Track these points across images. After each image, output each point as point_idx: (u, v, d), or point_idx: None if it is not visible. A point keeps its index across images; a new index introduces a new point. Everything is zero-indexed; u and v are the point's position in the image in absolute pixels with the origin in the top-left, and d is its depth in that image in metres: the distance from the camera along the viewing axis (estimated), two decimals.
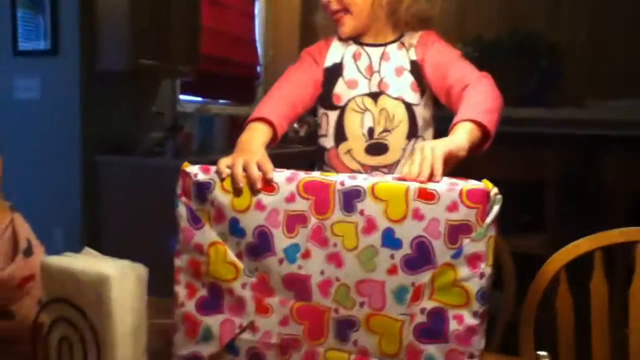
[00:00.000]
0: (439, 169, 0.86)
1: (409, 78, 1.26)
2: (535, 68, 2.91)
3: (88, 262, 0.85)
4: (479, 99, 1.08)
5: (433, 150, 0.88)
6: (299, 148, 4.18)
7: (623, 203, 2.28)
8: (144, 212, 3.17)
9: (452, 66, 1.20)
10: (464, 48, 3.29)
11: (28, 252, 0.95)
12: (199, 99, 4.41)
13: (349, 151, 1.28)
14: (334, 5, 1.26)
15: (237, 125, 3.90)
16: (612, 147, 2.49)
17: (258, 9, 5.18)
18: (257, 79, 5.20)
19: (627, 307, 1.11)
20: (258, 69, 5.20)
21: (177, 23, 3.55)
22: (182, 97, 4.14)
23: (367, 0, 1.26)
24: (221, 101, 4.76)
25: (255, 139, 1.07)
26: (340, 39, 1.33)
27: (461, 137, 0.98)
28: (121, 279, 0.82)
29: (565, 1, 4.66)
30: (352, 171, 1.25)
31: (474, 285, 0.81)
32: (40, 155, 3.32)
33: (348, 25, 1.27)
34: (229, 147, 3.90)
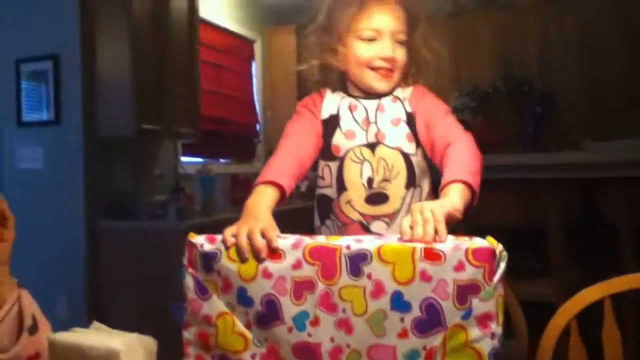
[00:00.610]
0: (442, 230, 0.86)
1: (405, 129, 1.28)
2: (531, 114, 2.96)
3: (96, 338, 0.85)
4: (464, 160, 1.10)
5: (434, 212, 0.89)
6: (300, 204, 4.19)
7: (627, 242, 2.27)
8: (148, 276, 3.15)
9: (438, 122, 1.23)
10: (460, 98, 3.37)
11: (33, 329, 0.94)
12: (200, 159, 4.46)
13: (349, 201, 1.29)
14: (387, 64, 1.27)
15: (238, 184, 3.95)
16: (612, 188, 2.50)
17: (255, 69, 5.30)
18: (256, 137, 5.27)
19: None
20: (257, 127, 5.28)
21: (177, 86, 3.63)
22: (183, 158, 4.18)
23: (404, 62, 1.30)
24: (222, 160, 4.81)
25: (261, 203, 1.06)
26: (333, 92, 1.35)
27: (456, 198, 0.99)
28: (130, 354, 0.81)
29: (556, 47, 4.77)
30: (353, 221, 1.27)
31: (486, 346, 0.80)
32: (44, 224, 3.33)
33: (391, 83, 1.30)
34: (231, 206, 3.93)
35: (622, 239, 2.24)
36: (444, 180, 1.05)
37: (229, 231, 0.92)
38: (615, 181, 2.54)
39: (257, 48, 5.30)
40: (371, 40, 1.27)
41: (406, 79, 1.34)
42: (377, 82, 1.30)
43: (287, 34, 5.18)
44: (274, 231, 0.92)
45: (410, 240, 0.86)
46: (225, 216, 3.50)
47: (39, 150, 3.39)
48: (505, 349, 1.28)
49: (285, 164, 1.18)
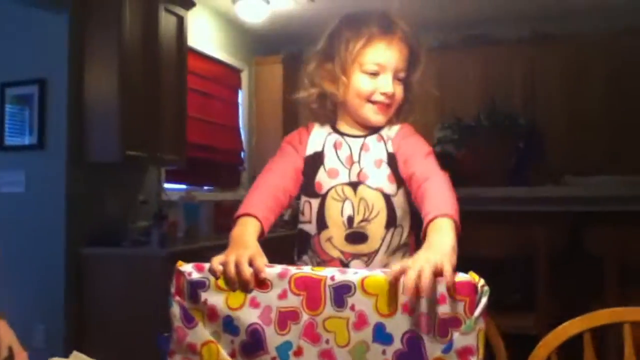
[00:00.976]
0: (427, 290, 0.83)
1: (386, 170, 1.29)
2: (514, 148, 3.01)
3: None
4: (446, 195, 1.10)
5: (429, 274, 0.84)
6: (283, 232, 4.18)
7: (610, 275, 2.29)
8: (130, 303, 3.11)
9: (419, 160, 1.24)
10: (443, 130, 3.41)
11: None
12: (184, 186, 4.44)
13: (329, 239, 1.29)
14: (386, 100, 1.29)
15: (222, 211, 3.94)
16: (594, 222, 2.53)
17: (242, 97, 5.34)
18: (241, 165, 5.28)
19: None
20: (242, 154, 5.29)
21: (164, 113, 3.64)
22: (167, 185, 4.16)
23: (401, 99, 1.33)
24: (206, 187, 4.79)
25: (247, 233, 1.07)
26: (321, 127, 1.37)
27: (451, 238, 0.97)
28: None
29: (540, 83, 4.88)
30: (333, 258, 1.28)
31: None
32: (25, 249, 3.29)
33: (384, 118, 1.32)
34: (215, 233, 3.90)
35: (606, 272, 2.27)
36: (430, 214, 1.05)
37: (217, 260, 0.93)
38: (599, 215, 2.58)
39: (244, 77, 5.35)
40: (374, 74, 1.29)
41: (397, 115, 1.35)
42: (375, 116, 1.31)
43: (274, 64, 5.25)
44: (261, 260, 0.93)
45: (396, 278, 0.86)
46: (209, 243, 3.48)
47: (21, 175, 3.36)
48: None
49: (263, 200, 1.19)
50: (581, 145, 4.72)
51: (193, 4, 3.97)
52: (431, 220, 1.03)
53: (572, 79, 4.80)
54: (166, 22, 3.68)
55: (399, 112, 1.35)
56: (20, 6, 3.31)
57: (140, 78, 3.42)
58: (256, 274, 0.90)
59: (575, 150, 4.71)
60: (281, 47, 5.43)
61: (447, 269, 0.84)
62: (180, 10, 3.83)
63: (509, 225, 2.42)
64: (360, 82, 1.30)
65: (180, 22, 3.84)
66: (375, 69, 1.29)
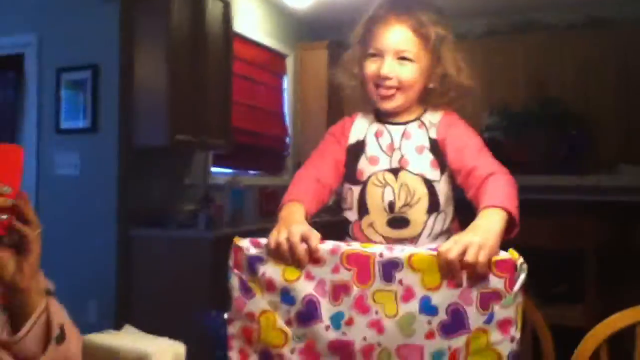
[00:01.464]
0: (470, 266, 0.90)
1: (429, 156, 1.31)
2: (564, 136, 2.92)
3: (128, 340, 0.87)
4: (510, 192, 1.11)
5: (479, 254, 0.90)
6: (327, 217, 4.19)
7: None
8: (177, 284, 3.20)
9: (474, 153, 1.25)
10: (491, 117, 3.35)
11: (60, 338, 0.95)
12: (230, 170, 4.50)
13: (371, 224, 1.32)
14: (392, 82, 1.29)
15: (266, 196, 3.99)
16: None
17: (286, 83, 5.36)
18: (285, 150, 5.31)
19: None
20: (287, 140, 5.32)
21: (211, 98, 3.70)
22: (213, 169, 4.23)
23: (421, 85, 1.32)
24: (251, 172, 4.85)
25: (295, 212, 1.13)
26: (363, 116, 1.39)
27: (497, 225, 1.00)
28: (160, 357, 0.83)
29: (592, 70, 4.71)
30: (375, 243, 1.27)
31: (505, 349, 0.87)
32: (77, 229, 3.41)
33: (395, 102, 1.31)
34: (260, 217, 3.95)
35: None
36: (484, 204, 1.07)
37: (273, 238, 0.99)
38: None
39: (289, 63, 5.36)
40: (375, 57, 1.31)
41: (427, 101, 1.35)
42: (381, 102, 1.32)
43: (319, 50, 5.24)
44: (315, 238, 0.98)
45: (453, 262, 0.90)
46: (254, 227, 3.53)
47: (75, 157, 3.48)
48: None
49: (305, 191, 1.23)
50: (636, 133, 4.54)
51: None
52: (484, 209, 1.05)
53: (625, 65, 4.62)
54: (213, 8, 3.73)
55: (431, 97, 1.34)
56: None
57: (187, 64, 3.49)
58: (311, 252, 0.96)
59: (629, 138, 4.54)
60: (326, 33, 5.40)
61: (485, 252, 0.90)
62: None
63: (559, 216, 2.36)
64: (365, 67, 1.32)
65: (227, 8, 3.88)
66: (375, 53, 1.30)
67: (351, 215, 1.35)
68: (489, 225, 0.99)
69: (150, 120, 3.36)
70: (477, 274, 0.89)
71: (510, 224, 1.04)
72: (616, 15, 4.76)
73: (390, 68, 1.27)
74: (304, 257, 0.96)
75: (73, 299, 1.23)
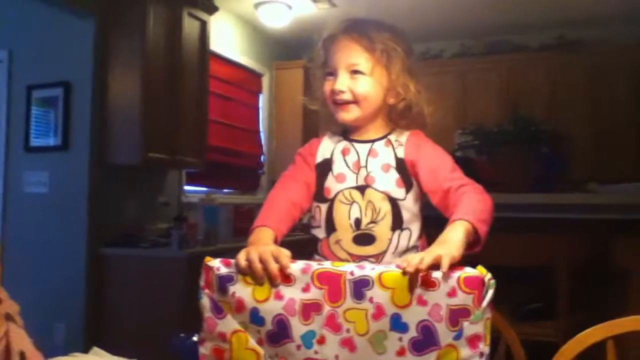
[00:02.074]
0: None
1: (394, 175, 1.32)
2: (537, 155, 2.96)
3: None
4: (479, 207, 1.15)
5: (426, 263, 0.93)
6: (300, 235, 4.18)
7: (636, 287, 2.24)
8: (148, 304, 3.14)
9: (447, 173, 1.27)
10: (464, 136, 3.38)
11: None
12: (204, 188, 4.47)
13: (337, 241, 1.33)
14: (346, 96, 1.32)
15: (241, 214, 3.95)
16: (619, 231, 2.49)
17: (262, 101, 5.36)
18: (261, 169, 5.30)
19: None
20: (262, 158, 5.31)
21: (185, 116, 3.68)
22: (187, 187, 4.19)
23: (377, 100, 1.34)
24: (225, 190, 4.82)
25: (264, 237, 1.14)
26: (331, 136, 1.41)
27: (459, 239, 1.03)
28: None
29: (564, 89, 4.83)
30: (342, 261, 1.30)
31: None
32: (47, 248, 3.34)
33: (352, 113, 1.33)
34: (234, 236, 3.90)
35: (632, 283, 2.22)
36: (455, 215, 1.10)
37: (242, 256, 0.99)
38: (624, 224, 2.53)
39: (265, 81, 5.38)
40: (330, 76, 1.34)
41: (399, 120, 1.37)
42: (340, 114, 1.35)
43: (295, 69, 5.27)
44: (286, 256, 0.99)
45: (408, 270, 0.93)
46: (228, 245, 3.50)
47: (45, 175, 3.42)
48: None
49: (275, 213, 1.25)
50: (606, 153, 4.66)
51: (216, 9, 4.02)
52: (450, 222, 1.09)
53: (595, 86, 4.75)
54: (189, 26, 3.73)
55: (395, 116, 1.36)
56: (46, 10, 3.38)
57: (162, 82, 3.47)
58: (282, 269, 0.96)
59: (600, 158, 4.66)
60: (302, 52, 5.45)
61: (445, 261, 0.93)
62: (203, 15, 3.87)
63: (531, 233, 2.38)
64: (324, 86, 1.36)
65: (203, 26, 3.88)
66: (330, 70, 1.34)
67: (319, 232, 1.36)
68: (451, 236, 1.03)
69: (123, 138, 3.32)
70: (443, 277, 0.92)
71: (475, 237, 1.07)
72: (588, 37, 4.90)
73: (342, 82, 1.31)
74: (276, 274, 0.96)
75: (40, 320, 1.20)
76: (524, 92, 4.85)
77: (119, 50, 3.39)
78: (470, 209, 1.12)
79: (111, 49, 3.39)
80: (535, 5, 4.52)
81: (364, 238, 1.30)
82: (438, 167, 1.28)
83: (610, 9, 4.54)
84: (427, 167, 1.29)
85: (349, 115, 1.33)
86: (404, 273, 0.92)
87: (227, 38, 4.74)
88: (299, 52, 5.48)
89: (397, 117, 1.36)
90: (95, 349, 0.90)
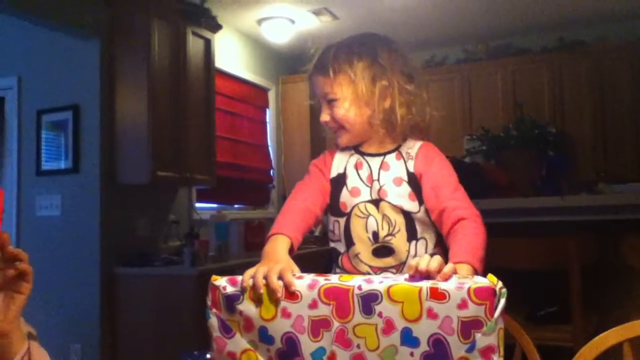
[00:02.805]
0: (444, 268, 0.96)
1: (406, 188, 1.34)
2: (543, 157, 2.96)
3: None
4: (476, 243, 1.17)
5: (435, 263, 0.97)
6: (314, 248, 4.18)
7: None
8: (163, 321, 3.15)
9: (448, 193, 1.28)
10: (471, 142, 3.39)
11: None
12: (215, 205, 4.49)
13: (357, 255, 1.34)
14: (331, 124, 1.39)
15: (252, 229, 3.97)
16: (630, 231, 2.47)
17: (269, 116, 5.39)
18: (270, 183, 5.31)
19: None
20: (271, 173, 5.32)
21: (193, 134, 3.71)
22: (197, 204, 4.22)
23: (360, 117, 1.36)
24: (236, 206, 4.84)
25: (278, 248, 1.15)
26: (343, 150, 1.44)
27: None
28: None
29: (569, 91, 4.82)
30: (362, 274, 1.30)
31: None
32: (60, 270, 3.36)
33: (344, 137, 1.40)
34: (246, 251, 3.91)
35: None
36: (454, 257, 1.12)
37: (248, 274, 0.99)
38: (634, 224, 2.51)
39: (271, 96, 5.41)
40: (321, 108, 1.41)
41: (389, 129, 1.37)
42: (338, 139, 1.42)
43: (300, 82, 5.31)
44: (290, 273, 0.98)
45: (416, 275, 0.94)
46: (240, 261, 3.51)
47: (57, 198, 3.45)
48: None
49: (292, 221, 1.26)
50: (613, 153, 4.62)
51: (220, 27, 4.06)
52: (452, 262, 1.08)
53: (600, 86, 4.73)
54: (194, 45, 3.76)
55: (392, 132, 1.37)
56: (52, 35, 3.43)
57: (169, 101, 3.50)
58: (287, 287, 0.95)
59: (607, 158, 4.62)
60: (307, 66, 5.47)
61: (450, 265, 0.95)
62: (207, 34, 3.91)
63: (541, 236, 2.37)
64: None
65: (208, 44, 3.92)
66: (318, 105, 1.42)
67: (340, 246, 1.38)
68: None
69: (132, 158, 3.35)
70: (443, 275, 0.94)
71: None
72: (589, 38, 4.89)
73: (324, 113, 1.39)
74: (277, 288, 0.94)
75: (56, 342, 1.21)
76: (529, 95, 4.85)
77: (125, 71, 3.42)
78: (468, 247, 1.14)
79: (117, 70, 3.43)
80: (536, 7, 4.53)
81: (383, 250, 1.32)
82: (441, 185, 1.30)
83: (611, 7, 4.54)
84: (431, 183, 1.31)
85: (341, 139, 1.40)
86: (409, 271, 0.94)
87: (231, 55, 4.78)
88: (304, 66, 5.50)
89: (386, 127, 1.36)
90: None
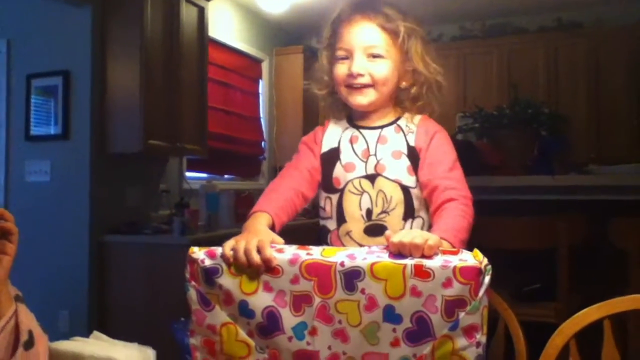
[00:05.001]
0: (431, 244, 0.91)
1: (406, 162, 1.28)
2: (536, 137, 2.96)
3: (97, 347, 0.86)
4: (460, 225, 1.13)
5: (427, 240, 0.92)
6: (302, 220, 4.19)
7: (634, 267, 2.25)
8: (152, 290, 3.16)
9: (443, 172, 1.24)
10: (464, 119, 3.38)
11: (29, 344, 0.94)
12: (205, 175, 4.48)
13: (348, 233, 1.30)
14: (364, 79, 1.27)
15: (242, 200, 3.97)
16: (619, 212, 2.49)
17: (262, 88, 5.35)
18: (261, 155, 5.30)
19: None
20: (263, 145, 5.31)
21: (185, 104, 3.67)
22: (188, 174, 4.21)
23: (393, 83, 1.30)
24: (227, 176, 4.83)
25: (259, 222, 1.12)
26: (336, 123, 1.37)
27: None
28: None
29: (563, 71, 4.81)
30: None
31: (471, 354, 0.87)
32: (49, 237, 3.35)
33: (369, 97, 1.28)
34: (235, 221, 3.91)
35: (630, 263, 2.23)
36: (437, 232, 1.07)
37: (228, 246, 0.97)
38: (624, 205, 2.54)
39: (265, 67, 5.36)
40: (344, 59, 1.29)
41: (410, 105, 1.33)
42: (353, 97, 1.29)
43: (294, 54, 5.25)
44: (269, 246, 0.95)
45: (397, 248, 0.91)
46: (230, 231, 3.51)
47: (46, 164, 3.42)
48: None
49: (275, 200, 1.22)
50: (606, 134, 4.65)
51: None
52: None
53: (596, 68, 4.72)
54: (187, 13, 3.71)
55: (404, 100, 1.33)
56: (44, 0, 3.36)
57: (161, 69, 3.46)
58: (266, 263, 0.93)
59: (599, 139, 4.65)
60: (302, 38, 5.43)
61: (431, 243, 0.90)
62: (201, 1, 3.86)
63: (531, 215, 2.39)
64: (336, 69, 1.30)
65: (202, 13, 3.86)
66: (344, 54, 1.28)
67: (331, 224, 1.32)
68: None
69: (123, 126, 3.32)
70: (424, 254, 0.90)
71: None
72: (587, 20, 4.86)
73: (360, 65, 1.26)
74: (259, 264, 0.92)
75: (44, 308, 1.21)
76: (524, 75, 4.83)
77: (117, 38, 3.37)
78: (452, 227, 1.11)
79: (109, 37, 3.38)
80: None
81: (376, 229, 1.27)
82: (438, 162, 1.25)
83: None
84: (429, 160, 1.26)
85: (365, 98, 1.28)
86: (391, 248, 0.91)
87: (225, 24, 4.72)
88: (299, 38, 5.46)
89: (409, 101, 1.32)
90: (96, 333, 0.91)
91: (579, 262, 2.33)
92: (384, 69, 1.27)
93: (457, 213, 1.15)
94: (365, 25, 1.27)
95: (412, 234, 0.93)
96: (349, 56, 1.28)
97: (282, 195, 1.24)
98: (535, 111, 2.95)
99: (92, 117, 3.34)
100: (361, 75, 1.26)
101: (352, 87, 1.28)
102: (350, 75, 1.27)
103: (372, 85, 1.27)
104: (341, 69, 1.29)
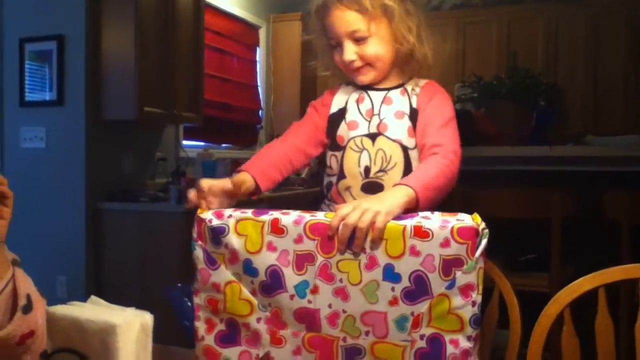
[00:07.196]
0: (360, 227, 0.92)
1: (407, 123, 1.31)
2: (533, 107, 2.95)
3: (94, 311, 0.86)
4: (431, 173, 1.13)
5: (376, 215, 0.93)
6: (300, 189, 4.20)
7: (626, 238, 2.27)
8: (147, 257, 3.18)
9: (434, 130, 1.26)
10: (463, 88, 3.36)
11: (27, 308, 0.95)
12: (202, 143, 4.46)
13: (347, 188, 1.34)
14: (357, 63, 1.32)
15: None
16: (614, 183, 2.50)
17: (259, 55, 5.29)
18: (258, 123, 5.28)
19: (634, 345, 1.10)
20: (260, 113, 5.28)
21: (181, 71, 3.64)
22: (185, 142, 4.19)
23: (390, 54, 1.33)
24: (223, 145, 4.81)
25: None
26: (345, 87, 1.41)
27: (399, 199, 1.00)
28: (127, 328, 0.83)
29: (562, 41, 4.77)
30: None
31: (467, 312, 0.90)
32: (45, 203, 3.35)
33: (369, 75, 1.34)
34: None
35: (622, 234, 2.25)
36: (405, 179, 1.09)
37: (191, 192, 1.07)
38: (620, 176, 2.54)
39: (262, 34, 5.29)
40: (338, 47, 1.33)
41: (412, 69, 1.36)
42: (356, 78, 1.36)
43: (292, 21, 5.19)
44: (206, 181, 1.07)
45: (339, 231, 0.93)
46: None
47: (41, 130, 3.40)
48: (500, 337, 1.29)
49: (266, 158, 1.25)
50: (603, 106, 4.63)
51: None
52: (396, 184, 1.07)
53: (595, 40, 4.68)
54: None
55: (400, 62, 1.35)
56: None
57: (157, 34, 3.42)
58: (200, 193, 1.06)
59: (597, 111, 4.64)
60: (300, 4, 5.34)
61: (380, 219, 0.92)
62: None
63: (527, 185, 2.40)
64: (334, 56, 1.36)
65: None
66: (335, 42, 1.33)
67: (334, 179, 1.37)
68: (391, 197, 1.00)
69: (118, 92, 3.30)
70: (372, 239, 0.91)
71: (416, 205, 1.05)
72: None
73: (349, 52, 1.30)
74: (193, 196, 1.04)
75: (41, 274, 1.22)
76: (523, 45, 4.79)
77: (112, 2, 3.32)
78: (422, 176, 1.11)
79: (104, 1, 3.32)
80: None
81: (373, 186, 1.30)
82: (431, 122, 1.27)
83: None
84: (424, 121, 1.29)
85: (366, 77, 1.34)
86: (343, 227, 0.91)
87: None
88: (296, 4, 5.37)
89: (401, 62, 1.35)
90: (93, 298, 0.92)
91: (572, 233, 2.35)
92: (372, 49, 1.30)
93: (432, 164, 1.16)
94: (342, 13, 1.29)
95: (360, 210, 0.93)
96: (339, 44, 1.33)
97: (273, 155, 1.27)
98: (533, 81, 2.93)
99: (87, 84, 3.31)
100: (353, 60, 1.31)
101: (354, 71, 1.34)
102: (345, 62, 1.33)
103: (368, 64, 1.32)
104: (337, 57, 1.35)
